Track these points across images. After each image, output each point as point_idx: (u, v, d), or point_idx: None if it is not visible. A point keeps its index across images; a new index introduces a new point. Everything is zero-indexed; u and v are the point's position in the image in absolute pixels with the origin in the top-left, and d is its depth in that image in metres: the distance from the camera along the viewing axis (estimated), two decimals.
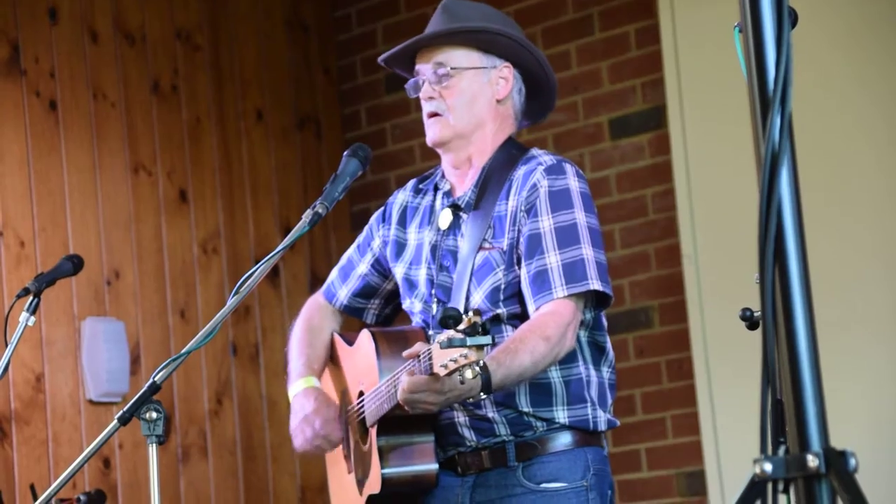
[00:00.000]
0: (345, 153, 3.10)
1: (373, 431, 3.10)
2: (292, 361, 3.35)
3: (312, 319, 3.42)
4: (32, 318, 3.70)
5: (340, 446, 3.29)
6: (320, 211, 2.95)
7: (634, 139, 5.44)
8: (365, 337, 3.17)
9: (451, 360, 2.66)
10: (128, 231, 5.26)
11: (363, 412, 3.16)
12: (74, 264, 3.88)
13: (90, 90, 5.25)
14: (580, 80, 5.55)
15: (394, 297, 3.39)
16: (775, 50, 1.68)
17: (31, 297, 3.74)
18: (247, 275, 2.87)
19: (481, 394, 2.82)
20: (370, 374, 3.12)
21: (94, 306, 5.11)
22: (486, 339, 2.62)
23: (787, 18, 1.69)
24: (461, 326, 2.63)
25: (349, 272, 3.40)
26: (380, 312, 3.42)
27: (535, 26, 5.65)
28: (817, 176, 4.88)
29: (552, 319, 2.96)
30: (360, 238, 3.41)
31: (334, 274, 3.45)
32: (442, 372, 2.71)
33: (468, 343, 2.61)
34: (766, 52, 1.69)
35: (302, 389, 3.26)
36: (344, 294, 3.40)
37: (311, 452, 3.26)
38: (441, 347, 2.65)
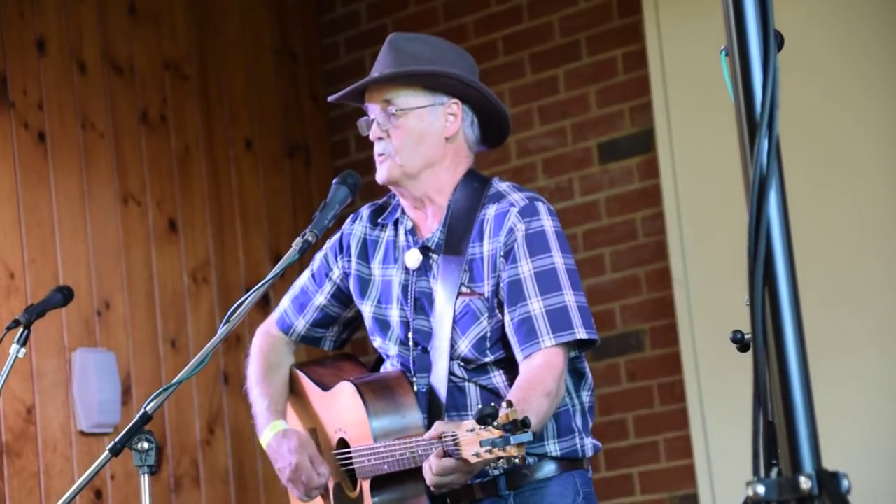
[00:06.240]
0: (334, 180, 3.10)
1: (365, 483, 3.08)
2: (256, 405, 3.32)
3: (269, 355, 3.39)
4: (23, 350, 3.69)
5: None
6: (310, 238, 2.96)
7: (623, 163, 5.45)
8: (347, 388, 3.14)
9: (485, 451, 2.64)
10: (118, 261, 5.25)
11: (349, 463, 3.14)
12: (64, 295, 3.88)
13: (79, 121, 5.25)
14: (568, 105, 5.57)
15: (351, 323, 3.38)
16: (762, 73, 1.69)
17: (21, 329, 3.73)
18: (237, 303, 2.87)
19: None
20: (357, 428, 3.10)
21: (84, 337, 5.10)
22: (528, 437, 2.62)
23: (773, 42, 1.69)
24: (499, 422, 2.62)
25: (305, 303, 3.37)
26: (337, 339, 3.41)
27: (523, 52, 5.67)
28: (807, 193, 4.89)
29: (549, 373, 2.95)
30: (314, 266, 3.38)
31: (286, 303, 3.41)
32: (474, 460, 2.69)
33: (512, 442, 2.61)
34: (752, 75, 1.69)
35: (273, 436, 3.23)
36: (301, 325, 3.38)
37: (309, 500, 3.24)
38: (482, 444, 2.64)
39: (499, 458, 2.63)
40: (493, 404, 2.68)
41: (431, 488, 2.86)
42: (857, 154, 4.99)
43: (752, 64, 1.70)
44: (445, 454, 2.78)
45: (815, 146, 4.99)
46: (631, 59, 5.44)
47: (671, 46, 5.31)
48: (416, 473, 2.99)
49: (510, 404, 2.63)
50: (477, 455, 2.66)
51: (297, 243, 2.94)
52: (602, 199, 5.48)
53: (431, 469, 2.81)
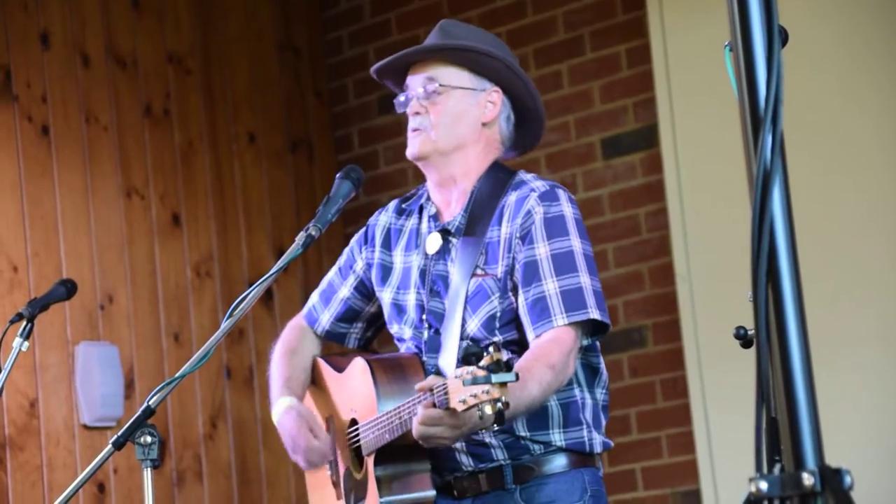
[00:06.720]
0: (337, 175, 3.10)
1: (369, 460, 3.08)
2: (273, 385, 3.35)
3: (293, 342, 3.41)
4: (26, 344, 3.69)
5: (327, 470, 3.28)
6: (313, 233, 2.96)
7: (627, 158, 5.45)
8: (359, 365, 3.15)
9: (470, 396, 2.64)
10: (121, 255, 5.26)
11: (357, 441, 3.15)
12: (68, 289, 3.88)
13: (82, 114, 5.25)
14: (572, 101, 5.56)
15: (376, 319, 3.38)
16: (766, 68, 1.69)
17: (24, 323, 3.74)
18: (240, 298, 2.87)
19: (494, 426, 2.81)
20: (365, 404, 3.10)
21: (87, 331, 5.10)
22: (511, 377, 2.61)
23: (777, 37, 1.69)
24: (483, 363, 2.63)
25: (331, 296, 3.39)
26: (362, 336, 3.41)
27: (527, 47, 5.66)
28: (811, 188, 4.89)
29: (556, 347, 2.96)
30: (341, 260, 3.40)
31: (315, 297, 3.44)
32: (460, 407, 2.69)
33: (493, 380, 2.61)
34: (756, 70, 1.69)
35: (282, 410, 3.25)
36: (326, 319, 3.39)
37: (314, 468, 3.25)
38: (464, 384, 2.64)
39: (483, 404, 2.62)
40: (479, 346, 2.68)
41: (420, 442, 2.85)
42: (862, 148, 4.99)
43: (755, 59, 1.70)
44: (434, 406, 2.78)
45: (820, 141, 4.98)
46: (634, 54, 5.44)
47: (675, 41, 5.30)
48: (419, 450, 2.99)
49: (496, 348, 2.64)
50: (463, 402, 2.66)
51: (300, 238, 2.95)
52: (605, 194, 5.48)
53: (418, 419, 2.81)
